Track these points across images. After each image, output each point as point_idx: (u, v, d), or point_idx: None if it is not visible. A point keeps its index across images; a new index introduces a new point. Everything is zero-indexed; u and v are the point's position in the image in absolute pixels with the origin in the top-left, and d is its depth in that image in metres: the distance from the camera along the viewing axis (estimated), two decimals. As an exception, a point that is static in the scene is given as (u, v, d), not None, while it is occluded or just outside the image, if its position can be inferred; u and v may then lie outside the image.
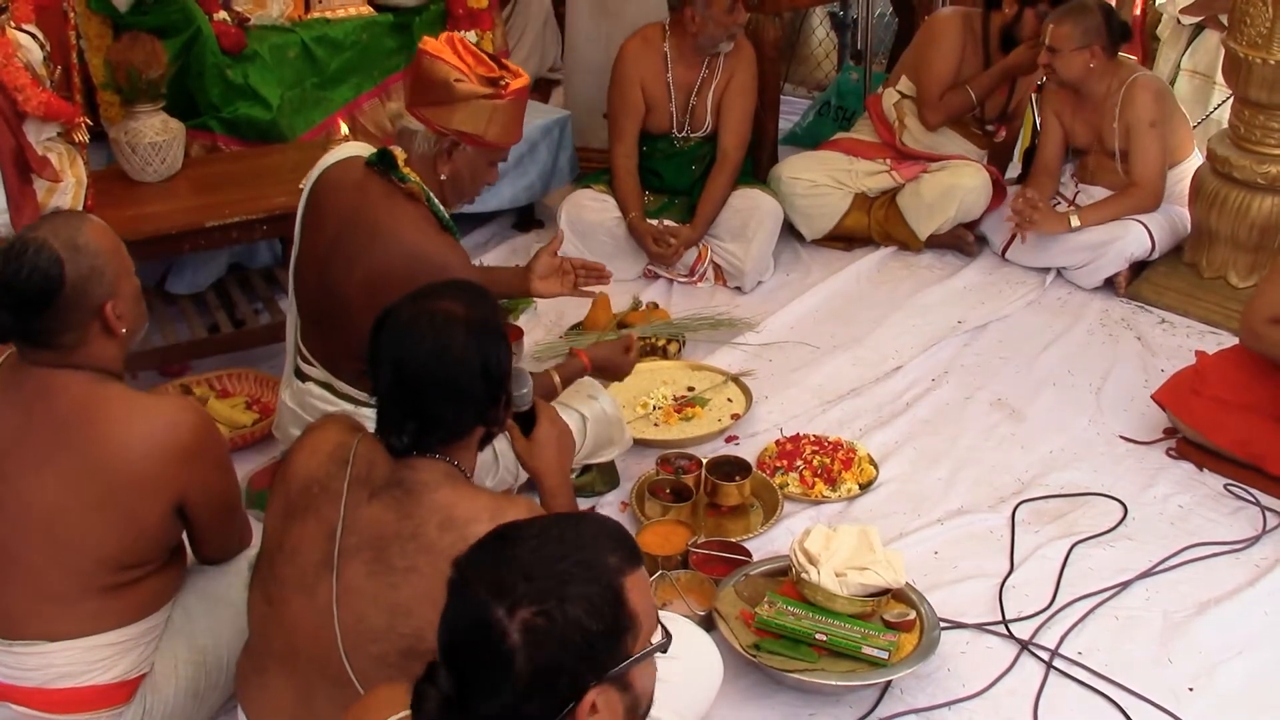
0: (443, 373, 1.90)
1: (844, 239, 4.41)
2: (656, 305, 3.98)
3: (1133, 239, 4.03)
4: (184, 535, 2.24)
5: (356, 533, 1.92)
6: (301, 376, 2.74)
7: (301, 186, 2.69)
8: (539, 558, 1.31)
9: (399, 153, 2.53)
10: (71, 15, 3.30)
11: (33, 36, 3.15)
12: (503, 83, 2.53)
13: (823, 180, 4.34)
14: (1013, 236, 4.18)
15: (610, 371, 2.95)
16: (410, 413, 1.91)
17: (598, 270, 3.07)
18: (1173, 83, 4.69)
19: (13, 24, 3.11)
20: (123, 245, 2.11)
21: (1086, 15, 3.98)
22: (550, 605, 1.28)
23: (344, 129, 3.95)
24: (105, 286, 2.03)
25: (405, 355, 1.90)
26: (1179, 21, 4.76)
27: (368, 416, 2.14)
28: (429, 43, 2.54)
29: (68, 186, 3.22)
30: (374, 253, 2.49)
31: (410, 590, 1.88)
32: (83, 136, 3.25)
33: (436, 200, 2.56)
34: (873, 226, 4.39)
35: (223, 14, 3.78)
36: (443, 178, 2.58)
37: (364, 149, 2.64)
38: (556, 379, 2.82)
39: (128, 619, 2.13)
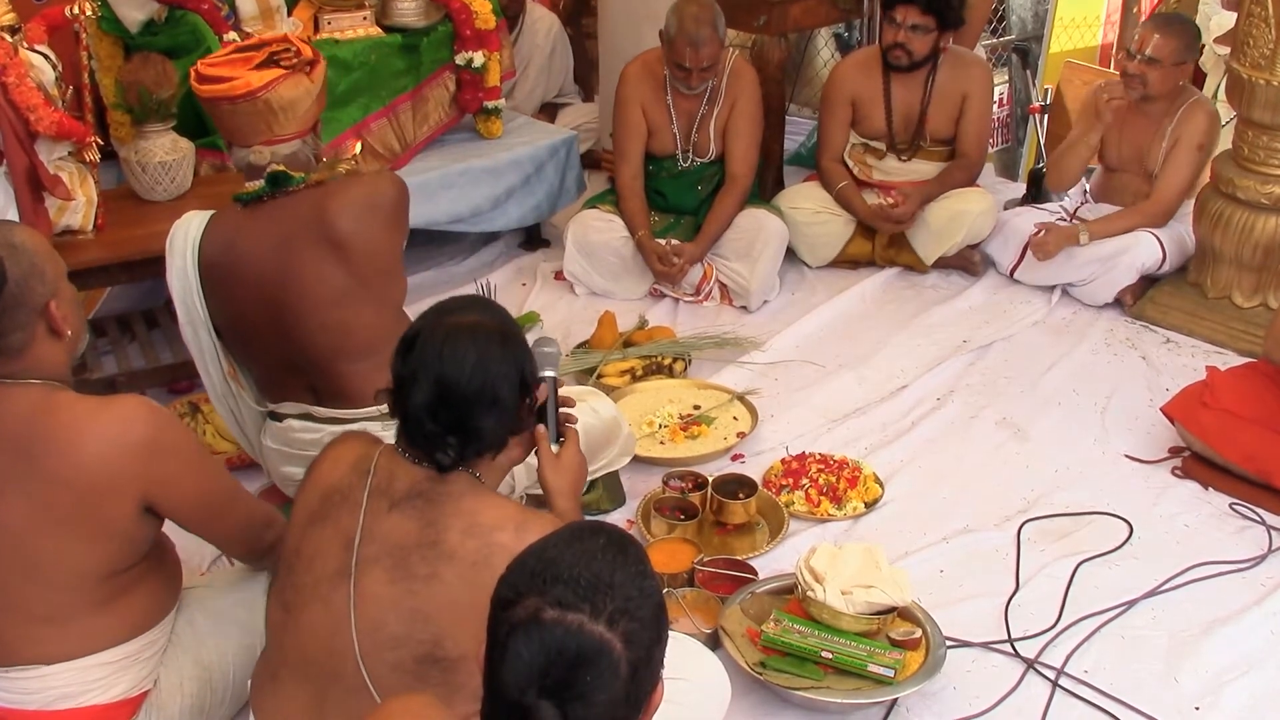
0: (487, 386, 1.91)
1: (848, 263, 4.42)
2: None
3: (1144, 250, 4.02)
4: (170, 546, 2.23)
5: (375, 541, 1.93)
6: (276, 416, 2.74)
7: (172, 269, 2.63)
8: (603, 564, 1.33)
9: (283, 168, 2.51)
10: (83, 36, 3.33)
11: (45, 57, 3.19)
12: (287, 51, 2.50)
13: (824, 207, 4.35)
14: (1021, 257, 4.19)
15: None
16: (453, 428, 1.92)
17: None
18: None
19: (25, 45, 3.15)
20: (54, 250, 2.09)
21: (1188, 31, 3.99)
22: (633, 605, 1.32)
23: (357, 148, 3.97)
24: (47, 285, 2.02)
25: (448, 371, 1.91)
26: (1216, 53, 4.78)
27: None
28: (250, 82, 2.42)
29: (79, 205, 3.25)
30: (328, 233, 2.47)
31: (430, 597, 1.89)
32: (93, 156, 3.29)
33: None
34: (877, 252, 4.39)
35: (232, 34, 3.80)
36: (325, 159, 2.60)
37: (205, 210, 2.63)
38: None
39: (122, 637, 2.12)
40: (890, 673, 2.46)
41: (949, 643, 2.59)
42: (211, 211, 2.59)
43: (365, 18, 4.13)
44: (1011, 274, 4.27)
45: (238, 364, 2.73)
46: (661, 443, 3.38)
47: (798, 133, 5.36)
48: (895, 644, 2.53)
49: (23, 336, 2.01)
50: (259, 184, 2.51)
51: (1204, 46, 4.95)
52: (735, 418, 3.51)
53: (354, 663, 1.92)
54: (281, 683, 2.02)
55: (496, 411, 1.94)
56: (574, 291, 4.26)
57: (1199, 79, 5.03)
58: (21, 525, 1.99)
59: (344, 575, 1.93)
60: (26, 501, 1.99)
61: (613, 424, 3.02)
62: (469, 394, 1.91)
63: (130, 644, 2.13)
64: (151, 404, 2.09)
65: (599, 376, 3.64)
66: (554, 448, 2.22)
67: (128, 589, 2.11)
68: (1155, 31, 3.94)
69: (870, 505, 3.15)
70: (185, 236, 2.60)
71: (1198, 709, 2.53)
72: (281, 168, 2.49)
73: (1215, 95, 4.77)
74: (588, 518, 2.79)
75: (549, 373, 2.20)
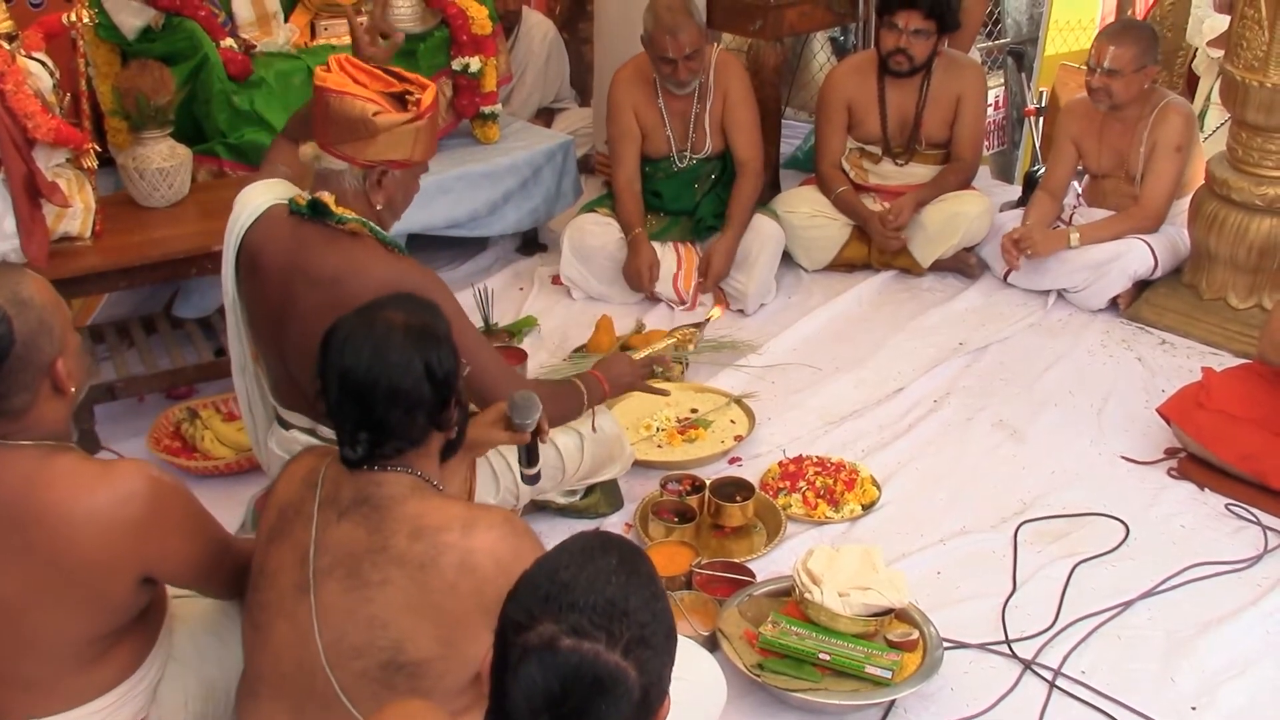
0: (384, 377, 1.90)
1: (845, 266, 4.43)
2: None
3: (1135, 257, 4.03)
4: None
5: (329, 553, 1.94)
6: (285, 424, 2.74)
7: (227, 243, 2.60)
8: (617, 587, 1.32)
9: (327, 196, 2.46)
10: (80, 43, 3.34)
11: (42, 64, 3.20)
12: (413, 98, 2.48)
13: (820, 210, 4.36)
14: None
15: (621, 385, 2.90)
16: (361, 422, 1.92)
17: None
18: (1203, 114, 4.71)
19: (23, 52, 3.15)
20: (61, 299, 1.99)
21: (1143, 35, 3.98)
22: (647, 631, 1.31)
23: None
24: (54, 343, 1.90)
25: (348, 365, 1.91)
26: (1209, 56, 4.78)
27: None
28: (326, 78, 2.44)
29: (76, 212, 3.26)
30: (341, 299, 2.38)
31: (386, 602, 1.90)
32: (91, 162, 3.30)
33: (379, 229, 2.52)
34: (874, 255, 4.40)
35: (229, 41, 3.82)
36: (379, 207, 2.52)
37: (282, 192, 2.57)
38: (583, 390, 2.76)
39: (112, 684, 2.07)
40: (888, 674, 2.46)
41: (946, 644, 2.60)
42: (276, 200, 2.54)
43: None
44: (1005, 278, 4.28)
45: (260, 354, 2.74)
46: (659, 446, 3.39)
47: (794, 136, 5.37)
48: (893, 645, 2.54)
49: (27, 398, 1.90)
50: (306, 200, 2.47)
51: (1196, 49, 4.97)
52: (732, 421, 3.52)
53: (323, 675, 1.94)
54: (261, 700, 2.03)
55: (401, 403, 1.92)
56: (571, 296, 4.26)
57: (1192, 82, 5.05)
58: (16, 599, 1.91)
59: (304, 589, 1.95)
60: (21, 576, 1.90)
61: (615, 441, 3.03)
62: (366, 386, 1.90)
63: (121, 686, 2.08)
64: (149, 473, 1.97)
65: (596, 380, 3.64)
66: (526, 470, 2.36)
67: (118, 641, 2.06)
68: (1109, 43, 3.94)
69: (867, 507, 3.15)
70: (236, 218, 2.58)
71: (1194, 709, 2.54)
72: (328, 197, 2.45)
73: (1209, 97, 4.78)
74: (594, 529, 2.79)
75: (529, 420, 2.34)
